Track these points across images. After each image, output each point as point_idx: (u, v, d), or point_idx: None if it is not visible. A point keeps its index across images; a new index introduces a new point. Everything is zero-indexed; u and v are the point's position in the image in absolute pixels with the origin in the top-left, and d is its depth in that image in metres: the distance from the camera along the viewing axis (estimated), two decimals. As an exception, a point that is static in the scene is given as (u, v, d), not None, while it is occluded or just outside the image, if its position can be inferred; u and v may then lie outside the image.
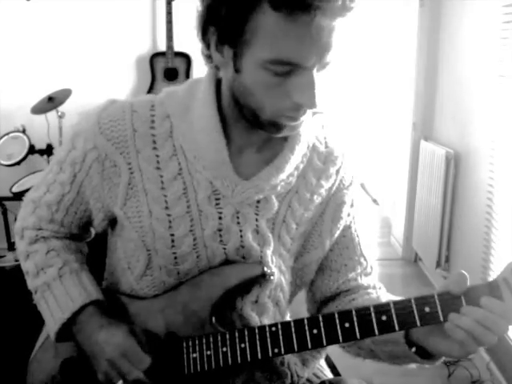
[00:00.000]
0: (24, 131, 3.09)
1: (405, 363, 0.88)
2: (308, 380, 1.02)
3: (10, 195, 2.90)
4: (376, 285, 1.01)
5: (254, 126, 0.82)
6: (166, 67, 3.41)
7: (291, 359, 0.97)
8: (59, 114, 3.05)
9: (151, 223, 0.88)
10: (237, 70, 0.77)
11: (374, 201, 5.18)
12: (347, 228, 0.98)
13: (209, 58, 0.83)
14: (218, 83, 0.87)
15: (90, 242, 1.07)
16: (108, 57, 3.46)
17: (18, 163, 2.97)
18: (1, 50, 3.36)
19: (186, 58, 3.39)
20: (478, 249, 2.36)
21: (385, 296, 0.95)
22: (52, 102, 3.01)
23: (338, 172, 0.96)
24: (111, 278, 1.01)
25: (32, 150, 3.01)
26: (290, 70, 0.73)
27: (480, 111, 2.48)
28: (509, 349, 2.13)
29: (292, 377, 0.97)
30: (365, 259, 1.01)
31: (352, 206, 0.98)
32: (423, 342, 0.79)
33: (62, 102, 2.99)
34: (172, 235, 0.88)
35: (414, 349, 0.81)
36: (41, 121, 3.14)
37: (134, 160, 0.88)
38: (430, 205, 3.06)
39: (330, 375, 1.08)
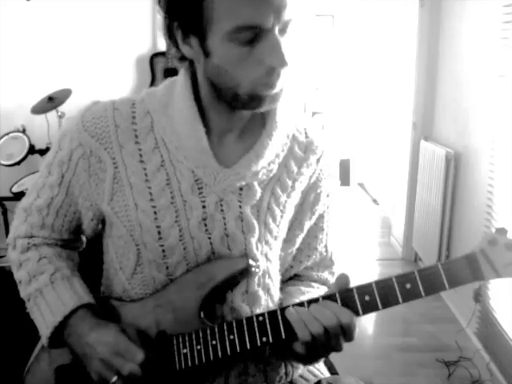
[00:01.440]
0: (24, 131, 3.09)
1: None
2: (304, 378, 1.03)
3: (10, 195, 2.90)
4: (329, 280, 1.06)
5: (235, 106, 0.85)
6: (166, 67, 3.41)
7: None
8: (59, 114, 3.05)
9: (137, 216, 0.90)
10: (207, 54, 0.81)
11: (374, 201, 5.19)
12: (320, 217, 1.02)
13: (181, 58, 0.88)
14: (194, 78, 0.90)
15: (86, 251, 1.08)
16: (108, 57, 3.46)
17: (18, 163, 2.98)
18: (1, 50, 3.36)
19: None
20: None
21: (316, 293, 0.99)
22: (52, 101, 3.01)
23: (318, 161, 0.99)
24: (106, 282, 1.03)
25: (32, 150, 3.02)
26: (253, 35, 0.76)
27: (480, 111, 2.49)
28: (509, 349, 2.14)
29: (286, 367, 0.98)
30: (326, 250, 1.05)
31: (328, 195, 1.01)
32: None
33: (62, 102, 2.99)
34: (158, 227, 0.89)
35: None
36: (41, 121, 3.15)
37: (117, 154, 0.90)
38: (430, 205, 3.06)
39: (325, 371, 1.09)
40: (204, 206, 0.90)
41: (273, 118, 0.93)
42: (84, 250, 1.08)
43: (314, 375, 1.05)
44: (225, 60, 0.79)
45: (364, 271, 3.43)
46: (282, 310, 0.84)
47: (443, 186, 2.85)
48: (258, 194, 0.92)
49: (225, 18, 0.75)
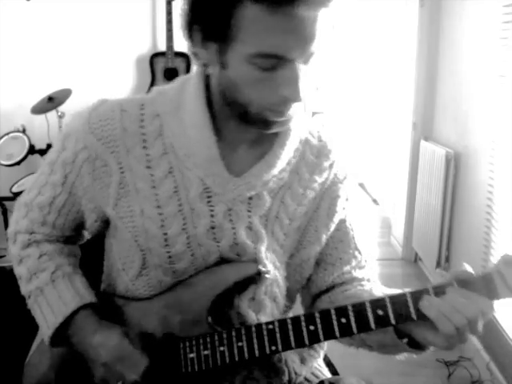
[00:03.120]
0: (24, 131, 3.09)
1: (394, 352, 0.88)
2: (306, 379, 1.02)
3: (10, 195, 2.90)
4: (371, 278, 1.01)
5: (244, 122, 0.82)
6: (166, 67, 3.41)
7: (289, 356, 0.97)
8: (59, 114, 3.05)
9: (143, 222, 0.88)
10: (223, 66, 0.77)
11: (374, 201, 5.18)
12: (342, 222, 0.98)
13: (196, 55, 0.83)
14: (208, 80, 0.87)
15: (88, 245, 1.06)
16: (108, 57, 3.46)
17: (18, 163, 2.98)
18: (1, 50, 3.36)
19: (185, 58, 3.40)
20: (478, 249, 2.36)
21: (378, 288, 0.95)
22: (52, 101, 3.01)
23: (331, 166, 0.96)
24: (108, 279, 1.01)
25: (32, 150, 3.01)
26: (275, 63, 0.73)
27: (480, 111, 2.48)
28: (509, 349, 2.13)
29: (290, 374, 0.97)
30: (359, 252, 1.00)
31: (347, 199, 0.98)
32: (411, 331, 0.80)
33: (62, 102, 2.99)
34: (165, 234, 0.88)
35: (405, 340, 0.81)
36: (41, 121, 3.14)
37: (124, 159, 0.88)
38: (430, 205, 3.06)
39: (328, 375, 1.08)
40: (212, 215, 0.88)
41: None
42: (85, 243, 1.06)
43: (316, 376, 1.05)
44: (240, 78, 0.76)
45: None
46: (295, 318, 0.81)
47: (443, 186, 2.85)
48: (268, 204, 0.90)
49: (250, 41, 0.72)
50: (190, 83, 0.88)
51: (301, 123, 0.92)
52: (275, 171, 0.89)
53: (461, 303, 0.74)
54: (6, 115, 3.33)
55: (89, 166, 0.89)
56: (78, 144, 0.89)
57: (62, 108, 3.03)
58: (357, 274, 0.99)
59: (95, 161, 0.88)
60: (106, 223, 0.96)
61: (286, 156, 0.90)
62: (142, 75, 3.48)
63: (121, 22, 3.43)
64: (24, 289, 0.95)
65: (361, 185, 5.97)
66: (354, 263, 0.99)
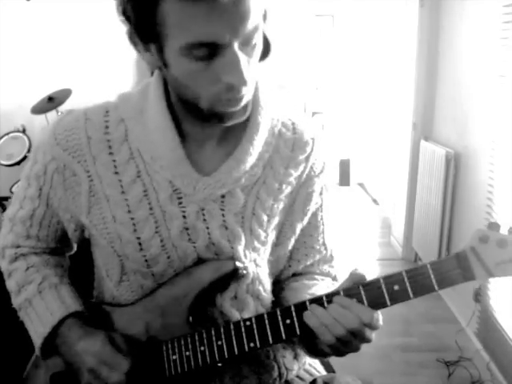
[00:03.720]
0: (24, 131, 3.09)
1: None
2: (300, 378, 1.02)
3: (10, 195, 2.90)
4: (331, 272, 1.02)
5: (200, 119, 0.82)
6: (166, 67, 3.41)
7: (278, 352, 0.97)
8: (59, 114, 3.05)
9: (116, 228, 0.88)
10: (165, 65, 0.77)
11: (374, 201, 5.19)
12: (313, 215, 0.97)
13: (147, 61, 0.82)
14: (166, 82, 0.86)
15: (78, 254, 1.07)
16: (108, 57, 3.46)
17: (18, 163, 2.98)
18: (1, 50, 3.36)
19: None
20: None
21: (330, 286, 0.98)
22: (52, 102, 3.01)
23: (307, 159, 0.93)
24: (97, 287, 1.02)
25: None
26: (209, 52, 0.71)
27: (480, 111, 2.49)
28: (509, 349, 2.13)
29: (280, 369, 0.97)
30: (325, 248, 1.00)
31: (321, 193, 0.97)
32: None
33: (62, 102, 3.00)
34: (138, 238, 0.87)
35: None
36: (41, 121, 3.15)
37: (91, 167, 0.88)
38: (430, 205, 3.06)
39: (322, 372, 1.08)
40: (185, 216, 0.87)
41: (254, 120, 0.88)
42: (76, 252, 1.07)
43: (310, 374, 1.05)
44: (182, 74, 0.75)
45: (364, 271, 3.43)
46: (272, 313, 0.82)
47: (443, 186, 2.85)
48: (242, 201, 0.89)
49: (177, 34, 0.70)
50: (150, 87, 0.88)
51: (270, 116, 0.91)
52: (246, 167, 0.88)
53: (340, 313, 0.76)
54: (6, 115, 3.33)
55: (59, 177, 0.90)
56: (47, 156, 0.90)
57: (61, 108, 3.03)
58: (319, 267, 1.01)
59: (64, 171, 0.89)
60: (85, 232, 0.97)
61: (255, 151, 0.88)
62: (142, 75, 3.48)
63: (121, 22, 3.43)
64: (14, 302, 0.96)
65: (361, 185, 5.98)
66: (317, 257, 1.00)
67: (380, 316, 0.78)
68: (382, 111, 4.95)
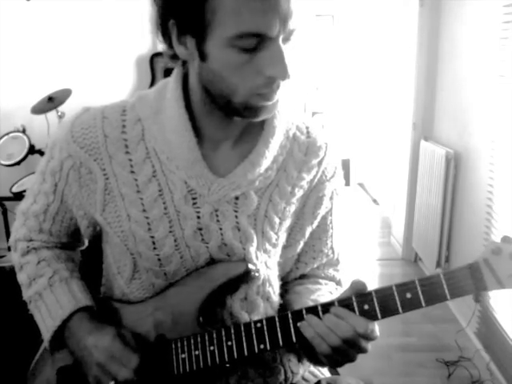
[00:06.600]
0: (24, 131, 3.09)
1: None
2: (304, 379, 1.02)
3: (10, 195, 2.90)
4: (336, 276, 1.03)
5: (229, 114, 0.81)
6: (166, 67, 3.41)
7: (284, 355, 0.97)
8: (59, 113, 3.05)
9: (130, 227, 0.89)
10: (203, 58, 0.77)
11: (374, 201, 5.19)
12: (323, 218, 0.99)
13: (173, 57, 0.83)
14: (185, 81, 0.87)
15: (88, 250, 1.08)
16: (108, 57, 3.46)
17: (18, 163, 2.98)
18: (1, 50, 3.36)
19: (185, 58, 3.40)
20: (478, 249, 2.36)
21: (334, 291, 0.98)
22: (52, 102, 3.01)
23: (320, 163, 0.95)
24: (106, 283, 1.03)
25: (32, 150, 3.02)
26: (256, 43, 0.72)
27: (480, 111, 2.49)
28: (509, 349, 2.14)
29: (286, 373, 0.97)
30: (333, 252, 1.02)
31: (331, 198, 0.98)
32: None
33: (62, 102, 2.99)
34: (152, 237, 0.88)
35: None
36: (41, 121, 3.15)
37: (107, 166, 0.89)
38: (430, 205, 3.06)
39: (327, 374, 1.08)
40: (199, 217, 0.88)
41: (270, 123, 0.89)
42: (86, 248, 1.08)
43: (315, 375, 1.05)
44: (222, 66, 0.75)
45: (364, 271, 3.43)
46: (283, 316, 0.82)
47: (443, 186, 2.85)
48: (255, 203, 0.90)
49: (228, 23, 0.71)
50: (168, 87, 0.88)
51: (285, 119, 0.92)
52: (260, 170, 0.89)
53: (335, 323, 0.77)
54: (6, 115, 3.34)
55: (75, 174, 0.90)
56: (63, 153, 0.90)
57: (61, 108, 3.03)
58: (324, 271, 1.02)
59: (80, 168, 0.90)
60: (98, 229, 0.98)
61: (271, 154, 0.89)
62: (142, 75, 3.49)
63: (121, 21, 3.44)
64: (25, 294, 0.97)
65: (361, 185, 5.98)
66: (324, 261, 1.01)
67: (376, 327, 0.79)
68: (382, 111, 4.96)
